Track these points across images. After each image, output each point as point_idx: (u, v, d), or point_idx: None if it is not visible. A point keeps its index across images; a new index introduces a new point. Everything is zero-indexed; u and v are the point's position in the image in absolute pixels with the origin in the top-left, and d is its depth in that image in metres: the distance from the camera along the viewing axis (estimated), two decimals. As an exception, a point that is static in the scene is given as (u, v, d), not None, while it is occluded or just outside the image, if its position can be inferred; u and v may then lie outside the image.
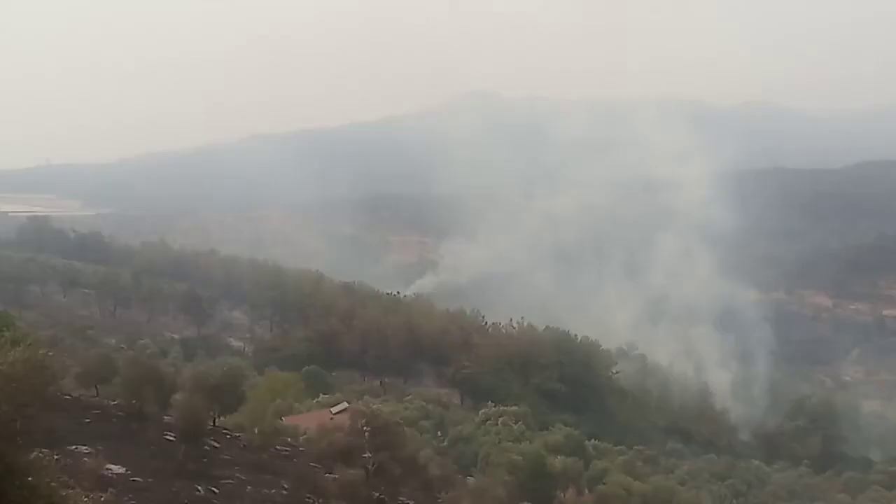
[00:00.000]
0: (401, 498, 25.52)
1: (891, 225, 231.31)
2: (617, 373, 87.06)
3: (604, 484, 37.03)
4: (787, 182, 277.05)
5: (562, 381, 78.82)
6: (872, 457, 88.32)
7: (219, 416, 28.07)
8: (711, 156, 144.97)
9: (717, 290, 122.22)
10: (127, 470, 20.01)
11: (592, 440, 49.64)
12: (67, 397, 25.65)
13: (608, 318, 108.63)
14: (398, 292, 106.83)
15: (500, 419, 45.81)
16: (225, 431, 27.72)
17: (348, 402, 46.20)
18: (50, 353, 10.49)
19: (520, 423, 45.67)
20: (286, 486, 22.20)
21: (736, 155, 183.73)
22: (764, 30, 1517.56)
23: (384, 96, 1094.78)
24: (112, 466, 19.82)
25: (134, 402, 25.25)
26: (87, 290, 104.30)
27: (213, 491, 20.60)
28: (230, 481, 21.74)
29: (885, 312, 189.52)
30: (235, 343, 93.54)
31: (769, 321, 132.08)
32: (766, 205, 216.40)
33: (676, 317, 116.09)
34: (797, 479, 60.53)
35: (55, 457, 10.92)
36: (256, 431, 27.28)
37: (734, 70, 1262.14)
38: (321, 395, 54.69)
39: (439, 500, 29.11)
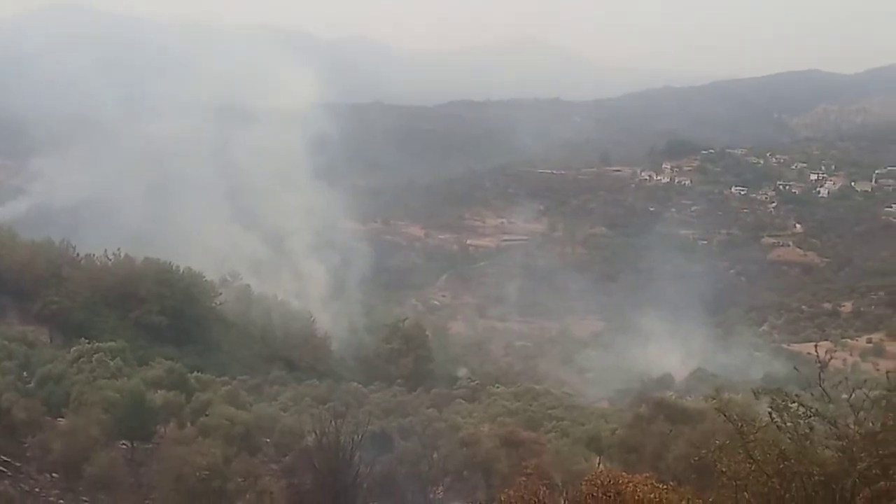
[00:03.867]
0: (-23, 447, 23.06)
1: (476, 161, 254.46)
2: (221, 304, 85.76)
3: (206, 415, 36.45)
4: (386, 117, 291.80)
5: (163, 314, 75.81)
6: (457, 374, 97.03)
7: None
8: (312, 86, 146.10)
9: (317, 220, 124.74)
10: None
11: (195, 373, 48.42)
12: None
13: (210, 248, 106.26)
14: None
15: (95, 356, 42.89)
16: None
17: (-89, 345, 41.05)
18: None
19: (117, 359, 43.15)
20: None
21: (336, 87, 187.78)
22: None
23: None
24: None
25: None
26: None
27: None
28: None
29: (468, 242, 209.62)
30: None
31: (368, 250, 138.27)
32: (365, 138, 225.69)
33: (277, 245, 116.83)
34: (392, 397, 64.32)
35: None
36: None
37: (339, 3, 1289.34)
38: None
39: (26, 445, 27.10)
